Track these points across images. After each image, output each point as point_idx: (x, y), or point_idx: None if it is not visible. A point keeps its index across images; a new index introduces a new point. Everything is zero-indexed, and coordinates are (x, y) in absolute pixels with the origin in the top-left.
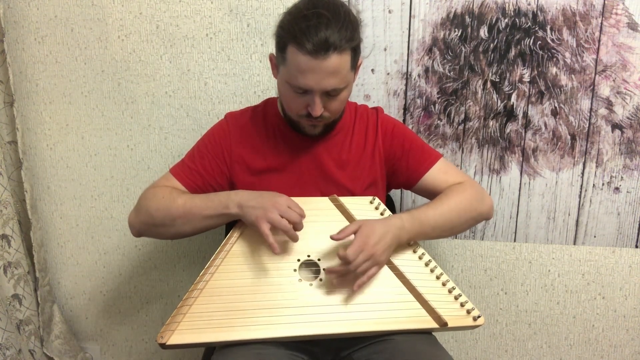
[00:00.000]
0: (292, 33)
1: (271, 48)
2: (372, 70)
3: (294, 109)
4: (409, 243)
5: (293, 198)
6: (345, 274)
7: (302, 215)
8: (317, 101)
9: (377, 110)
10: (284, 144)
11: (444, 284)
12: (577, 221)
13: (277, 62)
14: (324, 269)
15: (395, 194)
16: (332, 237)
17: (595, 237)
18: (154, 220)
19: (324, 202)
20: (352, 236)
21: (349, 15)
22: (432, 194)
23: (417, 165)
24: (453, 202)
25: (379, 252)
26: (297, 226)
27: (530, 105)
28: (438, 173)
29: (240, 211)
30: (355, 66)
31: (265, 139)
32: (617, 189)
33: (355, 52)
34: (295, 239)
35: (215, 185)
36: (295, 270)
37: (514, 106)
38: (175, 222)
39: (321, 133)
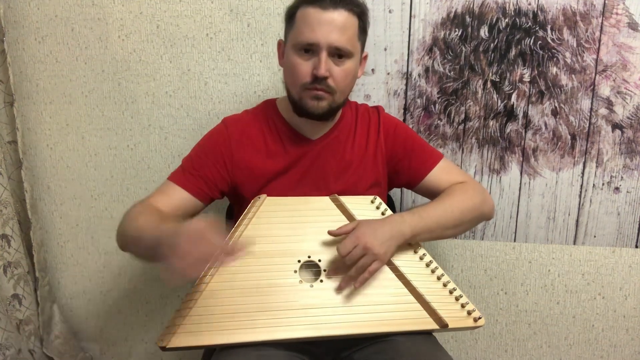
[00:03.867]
0: None
1: (271, 48)
2: (372, 70)
3: (299, 77)
4: (413, 243)
5: (294, 199)
6: (346, 271)
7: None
8: (323, 58)
9: (378, 109)
10: (287, 145)
11: (445, 285)
12: (577, 221)
13: (286, 36)
14: (324, 270)
15: (395, 193)
16: (329, 232)
17: (595, 237)
18: (123, 240)
19: (324, 201)
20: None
21: None
22: (434, 194)
23: (419, 166)
24: (456, 200)
25: (376, 245)
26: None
27: (530, 105)
28: (440, 173)
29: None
30: (362, 40)
31: (267, 141)
32: (617, 188)
33: (362, 23)
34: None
35: (219, 188)
36: (295, 271)
37: (514, 106)
38: (127, 244)
39: (325, 113)
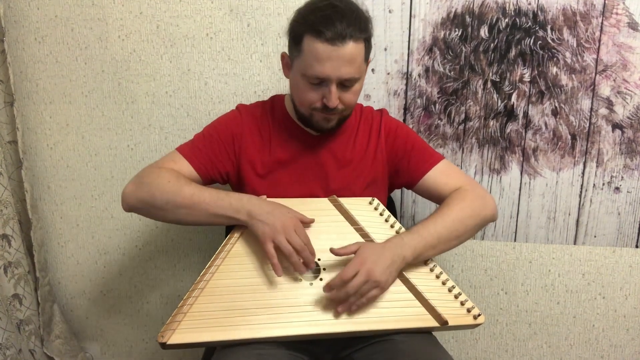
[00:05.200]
0: (308, 23)
1: (271, 48)
2: (372, 70)
3: (308, 103)
4: (425, 262)
5: (294, 200)
6: (345, 298)
7: (307, 244)
8: (333, 91)
9: (382, 112)
10: (290, 141)
11: (443, 283)
12: (577, 221)
13: (291, 56)
14: (323, 269)
15: (395, 193)
16: (331, 250)
17: (595, 237)
18: (154, 201)
19: (323, 202)
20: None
21: (360, 10)
22: (433, 195)
23: (418, 165)
24: (455, 211)
25: (378, 273)
26: (301, 254)
27: (530, 105)
28: (439, 174)
29: (249, 220)
30: (367, 59)
31: (271, 136)
32: (617, 188)
33: (368, 44)
34: (297, 267)
35: (222, 172)
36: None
37: (514, 106)
38: (177, 210)
39: (334, 127)
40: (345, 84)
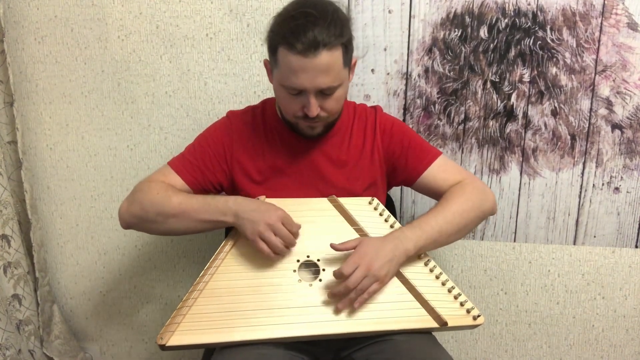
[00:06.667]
0: (281, 34)
1: None
2: (372, 70)
3: (290, 111)
4: (419, 255)
5: (293, 200)
6: (345, 293)
7: (295, 233)
8: (312, 101)
9: (376, 109)
10: (283, 146)
11: (443, 284)
12: (577, 221)
13: (271, 66)
14: (323, 269)
15: (395, 193)
16: (331, 245)
17: (595, 237)
18: (146, 215)
19: (322, 202)
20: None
21: (337, 12)
22: (432, 192)
23: (416, 163)
24: (455, 204)
25: (377, 267)
26: (289, 244)
27: (530, 105)
28: (437, 171)
29: (237, 221)
30: (348, 63)
31: (264, 142)
32: (617, 189)
33: (347, 49)
34: (285, 252)
35: (214, 183)
36: (294, 270)
37: (514, 106)
38: (168, 220)
39: (321, 134)
40: (325, 92)
